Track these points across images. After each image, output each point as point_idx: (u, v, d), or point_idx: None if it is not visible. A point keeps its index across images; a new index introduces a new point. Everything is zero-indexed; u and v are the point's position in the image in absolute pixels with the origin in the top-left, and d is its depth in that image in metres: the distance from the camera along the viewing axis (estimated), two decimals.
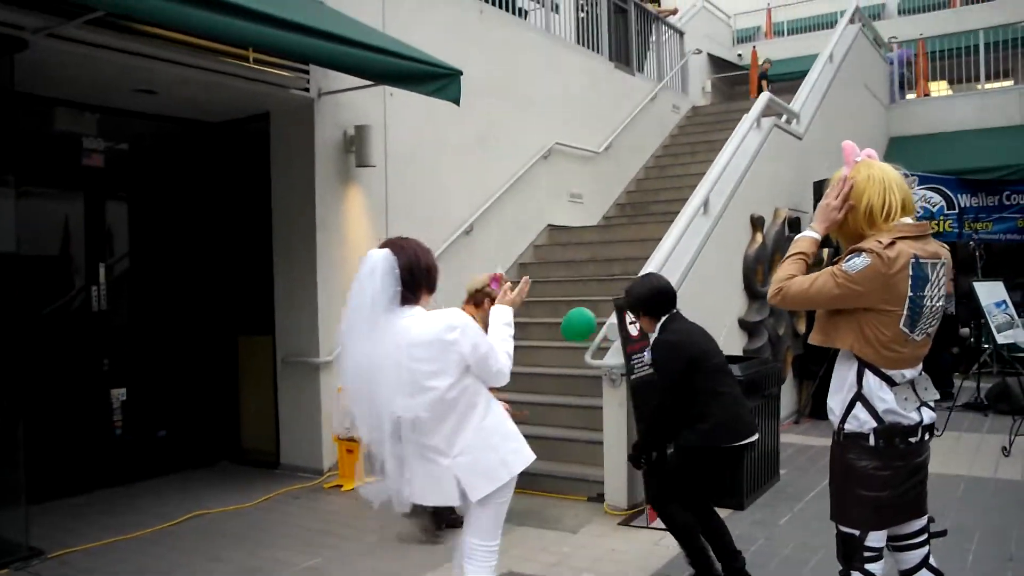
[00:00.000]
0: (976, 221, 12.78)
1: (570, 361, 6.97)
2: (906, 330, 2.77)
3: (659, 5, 14.11)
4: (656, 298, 4.28)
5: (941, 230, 12.49)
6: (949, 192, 12.90)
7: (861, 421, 2.83)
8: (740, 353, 7.35)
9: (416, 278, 2.95)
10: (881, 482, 2.81)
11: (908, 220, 2.84)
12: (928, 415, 2.87)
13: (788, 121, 9.39)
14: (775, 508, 5.66)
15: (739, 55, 19.32)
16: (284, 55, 5.71)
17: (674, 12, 14.85)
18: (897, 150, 14.28)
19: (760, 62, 16.41)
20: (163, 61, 5.55)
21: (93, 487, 6.35)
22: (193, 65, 5.72)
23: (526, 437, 6.26)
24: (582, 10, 11.10)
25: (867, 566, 2.86)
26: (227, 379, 7.49)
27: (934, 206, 12.73)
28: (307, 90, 6.71)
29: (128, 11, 4.44)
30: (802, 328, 8.32)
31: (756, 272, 7.74)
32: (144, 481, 6.61)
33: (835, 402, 2.93)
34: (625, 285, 6.44)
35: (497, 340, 3.09)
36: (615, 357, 5.74)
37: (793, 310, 2.88)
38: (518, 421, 4.26)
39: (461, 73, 6.21)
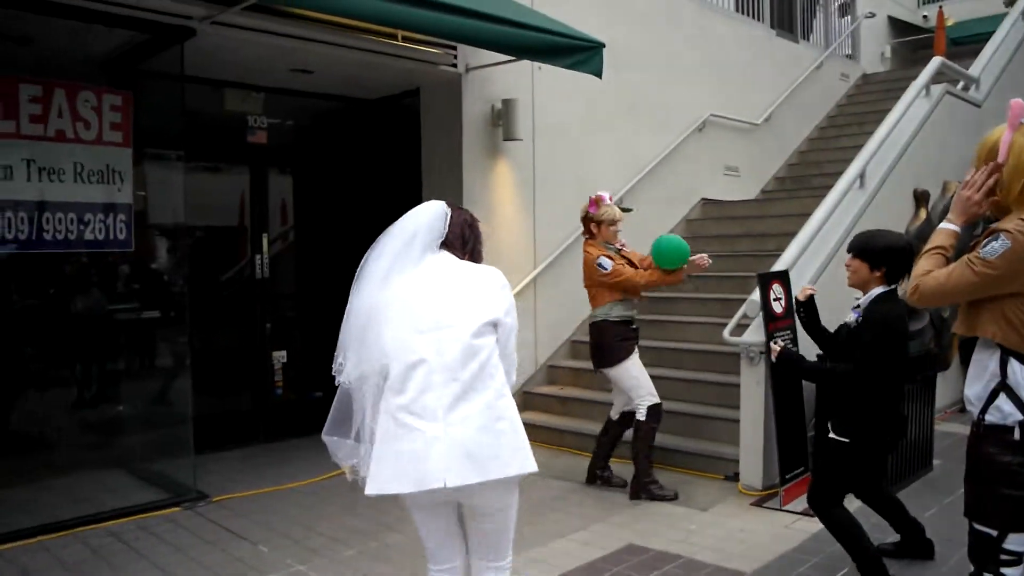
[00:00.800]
0: None
1: (713, 337, 6.84)
2: None
3: None
4: (906, 256, 3.86)
5: None
6: None
7: (1005, 413, 2.62)
8: None
9: (466, 239, 2.78)
10: None
11: None
12: None
13: (965, 88, 8.71)
14: (922, 499, 5.36)
15: (924, 16, 18.01)
16: (427, 33, 5.86)
17: None
18: None
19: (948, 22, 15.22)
20: (316, 42, 5.86)
21: (253, 441, 6.87)
22: (344, 45, 6.01)
23: (667, 413, 6.30)
24: None
25: (1003, 570, 2.66)
26: None
27: None
28: (455, 66, 6.89)
29: None
30: None
31: (918, 251, 7.27)
32: (299, 438, 7.06)
33: (973, 392, 2.73)
34: (772, 261, 6.29)
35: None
36: (755, 334, 5.59)
37: (932, 306, 2.71)
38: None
39: (603, 46, 6.18)
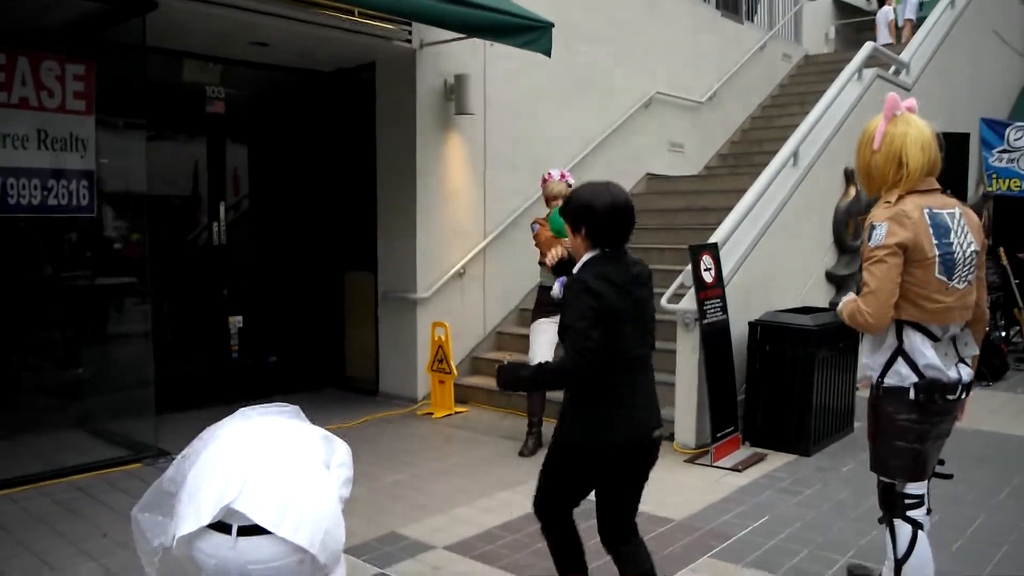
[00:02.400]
0: None
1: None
2: (943, 278, 2.88)
3: None
4: (609, 218, 2.89)
5: None
6: None
7: (902, 376, 2.95)
8: (826, 306, 7.40)
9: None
10: (919, 435, 2.97)
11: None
12: (966, 372, 3.00)
13: (896, 72, 9.16)
14: (840, 457, 5.82)
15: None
16: (382, 11, 6.04)
17: None
18: None
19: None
20: (275, 16, 6.02)
21: (211, 403, 7.05)
22: (302, 19, 6.17)
23: None
24: None
25: (909, 513, 3.04)
26: (334, 311, 8.10)
27: None
28: (409, 41, 7.09)
29: None
30: None
31: (847, 225, 7.73)
32: (254, 400, 7.29)
33: (871, 359, 3.06)
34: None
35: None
36: (689, 302, 5.96)
37: (888, 313, 2.86)
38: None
39: (552, 25, 6.44)
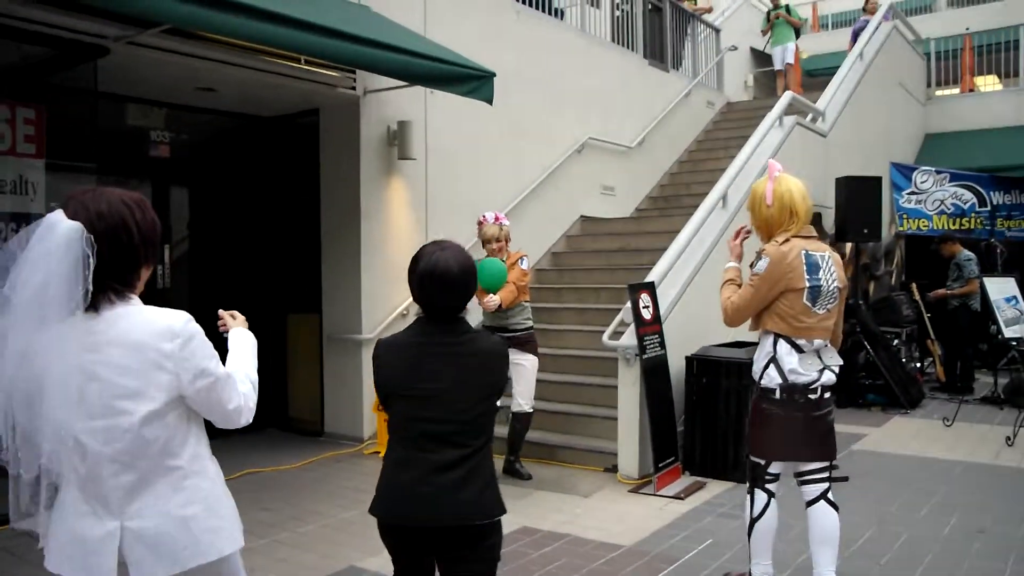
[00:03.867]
0: (1009, 219, 12.87)
1: (593, 344, 7.46)
2: (808, 304, 3.65)
3: (695, 3, 14.43)
4: (422, 286, 2.55)
5: (972, 227, 12.63)
6: (981, 189, 12.99)
7: (771, 378, 3.72)
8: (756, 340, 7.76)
9: (128, 252, 2.05)
10: (782, 425, 3.71)
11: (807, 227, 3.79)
12: (828, 377, 3.75)
13: (813, 119, 9.72)
14: (780, 483, 6.10)
15: None
16: (330, 60, 6.22)
17: (709, 10, 15.16)
18: (932, 147, 14.45)
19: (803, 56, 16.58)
20: (223, 63, 6.16)
21: None
22: (250, 67, 6.32)
23: (551, 413, 6.84)
24: (618, 8, 11.52)
25: (767, 485, 3.84)
26: (277, 353, 8.14)
27: (965, 203, 12.85)
28: (354, 88, 7.29)
29: (199, 25, 4.98)
30: None
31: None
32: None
33: (756, 366, 3.82)
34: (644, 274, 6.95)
35: (239, 365, 2.30)
36: (630, 338, 6.22)
37: (740, 323, 3.80)
38: None
39: (494, 75, 6.72)
